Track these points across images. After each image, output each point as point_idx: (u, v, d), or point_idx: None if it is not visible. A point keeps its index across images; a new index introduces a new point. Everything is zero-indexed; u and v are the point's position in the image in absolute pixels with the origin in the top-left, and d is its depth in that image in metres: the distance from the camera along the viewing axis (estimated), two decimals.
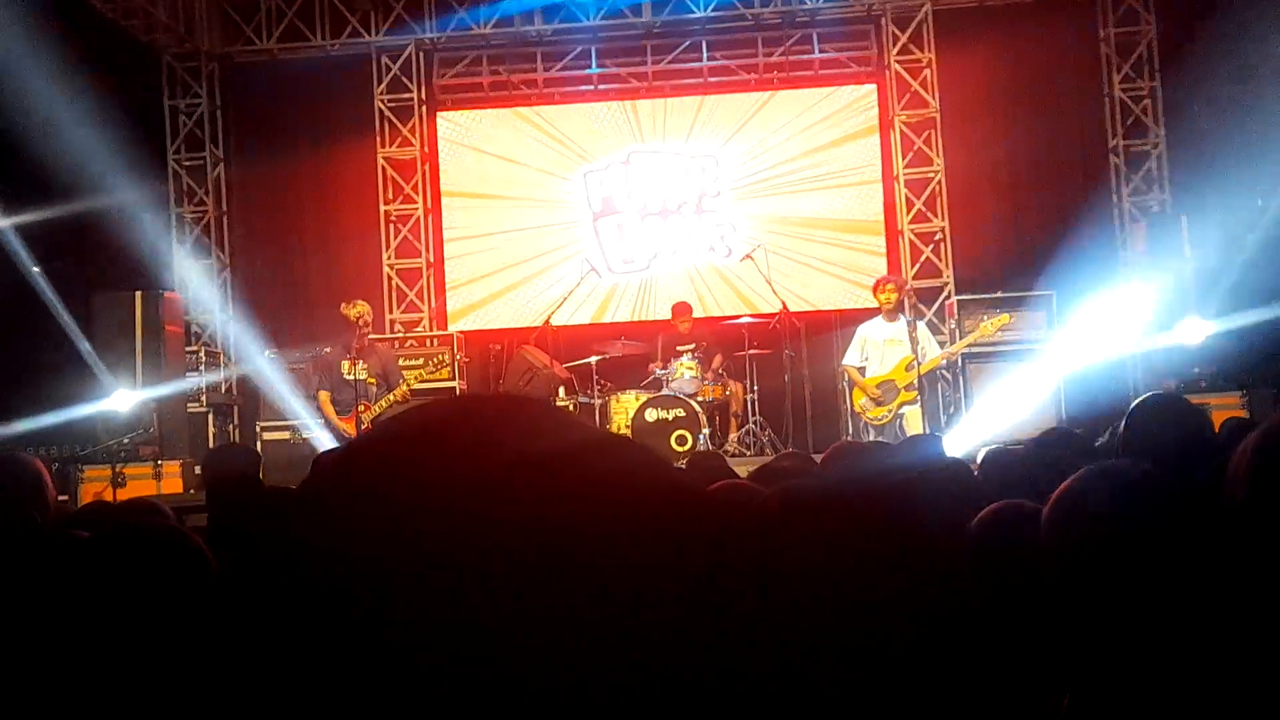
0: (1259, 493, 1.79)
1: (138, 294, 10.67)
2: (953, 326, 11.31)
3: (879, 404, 9.91)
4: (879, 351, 9.99)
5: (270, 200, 13.09)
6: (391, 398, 9.14)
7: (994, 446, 5.58)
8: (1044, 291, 11.19)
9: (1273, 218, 10.51)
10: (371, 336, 9.69)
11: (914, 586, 2.34)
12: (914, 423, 9.77)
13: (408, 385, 9.34)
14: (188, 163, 13.12)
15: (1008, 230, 12.62)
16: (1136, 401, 4.60)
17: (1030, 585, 2.22)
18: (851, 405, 10.40)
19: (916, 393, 9.86)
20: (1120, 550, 1.73)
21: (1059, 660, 1.85)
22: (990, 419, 10.57)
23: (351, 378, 9.13)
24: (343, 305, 9.46)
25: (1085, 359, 10.69)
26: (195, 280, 12.93)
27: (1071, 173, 12.61)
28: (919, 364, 9.80)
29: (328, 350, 9.62)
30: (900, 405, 9.87)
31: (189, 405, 11.41)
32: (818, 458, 5.18)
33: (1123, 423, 4.27)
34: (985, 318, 10.46)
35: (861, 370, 10.07)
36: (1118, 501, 1.81)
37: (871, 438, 9.40)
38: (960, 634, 2.32)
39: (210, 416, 11.71)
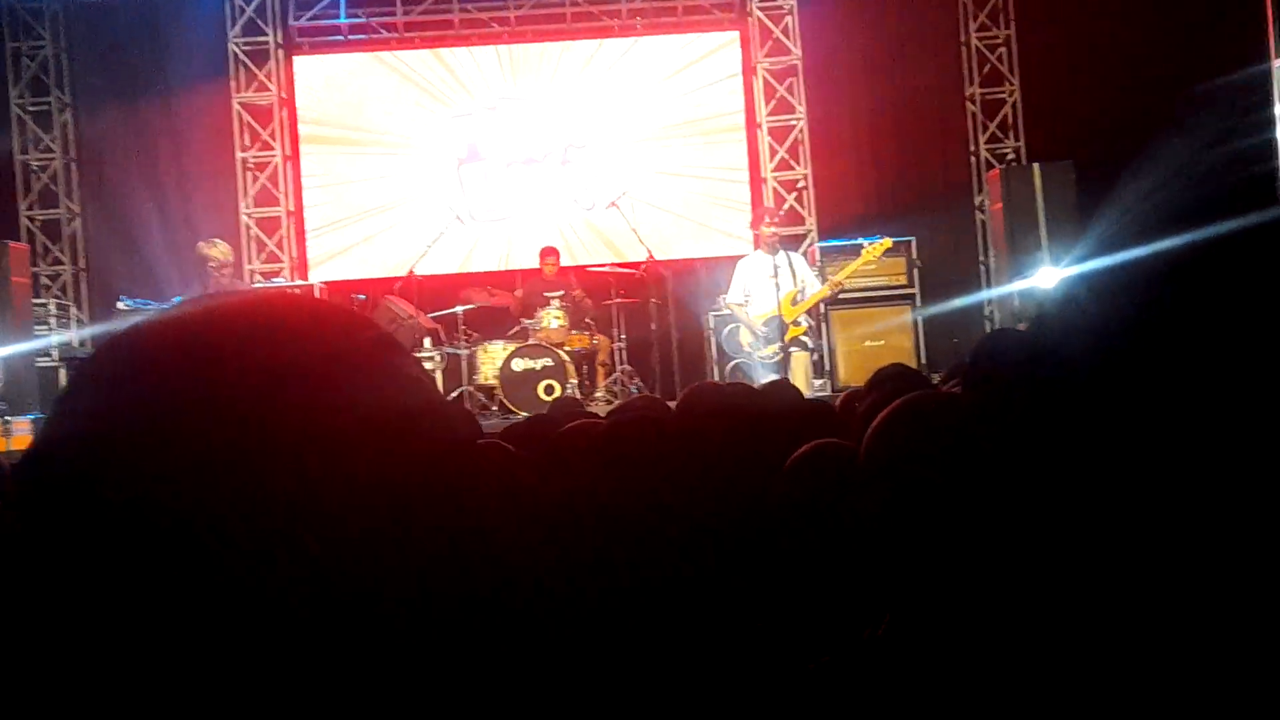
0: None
1: None
2: (815, 273, 11.44)
3: (768, 341, 9.58)
4: (761, 286, 9.62)
5: (121, 147, 12.63)
6: None
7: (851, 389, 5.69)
8: (904, 237, 11.40)
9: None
10: (237, 284, 9.45)
11: (704, 520, 2.38)
12: (799, 368, 9.60)
13: None
14: (32, 108, 12.60)
15: (868, 177, 12.80)
16: (980, 339, 4.68)
17: (844, 520, 2.27)
18: (738, 342, 10.05)
19: (805, 329, 9.67)
20: (927, 478, 1.72)
21: (878, 590, 1.85)
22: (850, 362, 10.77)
23: None
24: (200, 244, 9.15)
25: (944, 304, 10.93)
26: (43, 231, 12.50)
27: (930, 121, 12.82)
28: (804, 297, 9.63)
29: (185, 296, 9.32)
30: (791, 342, 9.57)
31: (39, 360, 11.05)
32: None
33: (968, 359, 4.31)
34: (847, 263, 10.44)
35: (743, 307, 9.77)
36: (923, 429, 1.81)
37: (762, 377, 9.07)
38: (766, 567, 2.36)
39: (62, 371, 11.35)
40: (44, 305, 11.70)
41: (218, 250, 8.92)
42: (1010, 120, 12.79)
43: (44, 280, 12.38)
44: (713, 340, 10.99)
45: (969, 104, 12.81)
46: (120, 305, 11.19)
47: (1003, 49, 12.77)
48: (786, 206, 12.44)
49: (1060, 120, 11.98)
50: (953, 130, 12.81)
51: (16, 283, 10.56)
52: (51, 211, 12.58)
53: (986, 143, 12.73)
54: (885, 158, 12.72)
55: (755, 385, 7.43)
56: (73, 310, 12.31)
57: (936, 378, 6.46)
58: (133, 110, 12.47)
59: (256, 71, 12.52)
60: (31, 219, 12.56)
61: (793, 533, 2.43)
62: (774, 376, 8.31)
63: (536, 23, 12.88)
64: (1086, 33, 11.81)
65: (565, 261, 11.37)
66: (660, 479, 2.59)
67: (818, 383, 10.63)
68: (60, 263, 12.54)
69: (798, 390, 5.44)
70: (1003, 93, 12.79)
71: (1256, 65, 9.94)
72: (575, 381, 10.33)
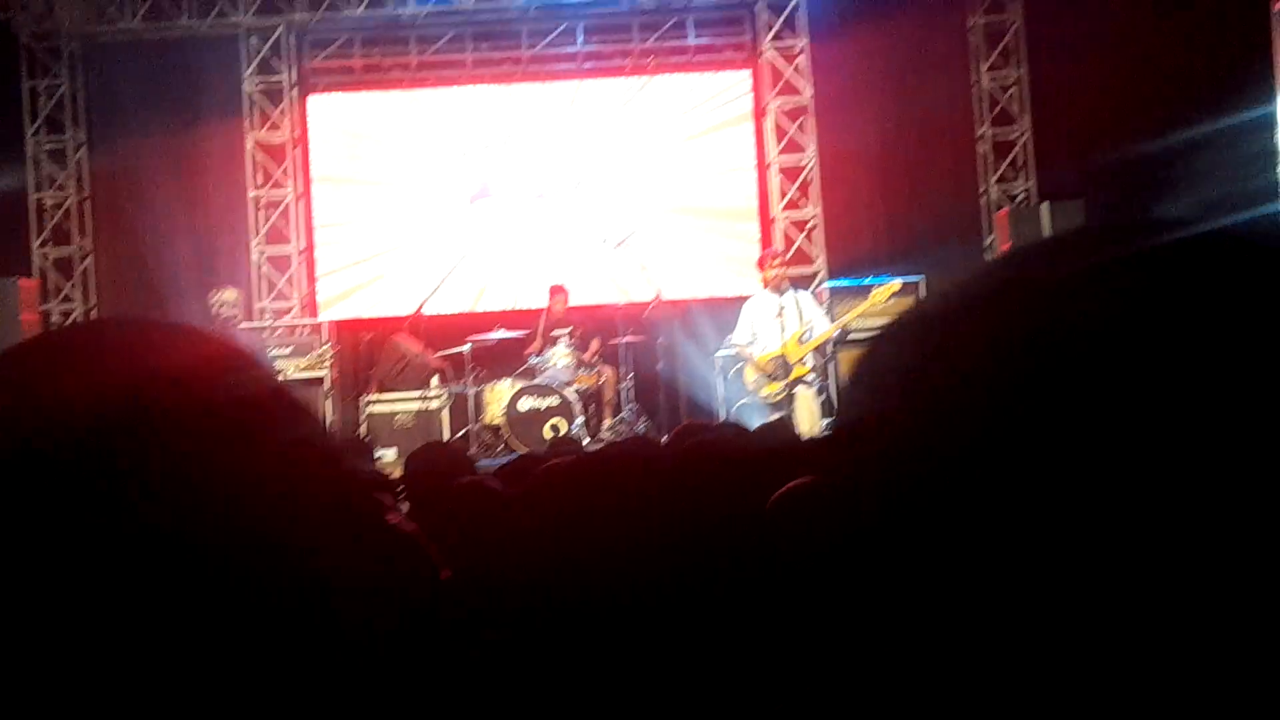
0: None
1: None
2: (824, 312, 11.41)
3: (772, 379, 9.51)
4: (767, 326, 9.56)
5: (135, 185, 12.70)
6: None
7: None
8: (913, 277, 11.33)
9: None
10: (244, 325, 9.51)
11: (677, 557, 2.34)
12: (805, 407, 9.48)
13: (283, 375, 9.18)
14: (48, 146, 12.71)
15: (879, 216, 12.77)
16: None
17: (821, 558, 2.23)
18: (743, 382, 10.02)
19: (810, 369, 9.58)
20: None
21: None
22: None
23: None
24: (210, 294, 9.26)
25: None
26: (55, 268, 12.59)
27: (941, 160, 12.79)
28: (810, 337, 9.56)
29: None
30: (796, 381, 9.49)
31: None
32: None
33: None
34: (857, 303, 10.41)
35: (749, 347, 9.70)
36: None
37: (767, 418, 9.00)
38: (740, 607, 2.32)
39: None
40: None
41: (226, 295, 9.05)
42: (1021, 160, 12.75)
43: (55, 318, 12.44)
44: (721, 380, 10.94)
45: (979, 143, 12.79)
46: None
47: (1014, 88, 12.76)
48: (796, 245, 12.42)
49: (1072, 159, 11.93)
50: (963, 169, 12.79)
51: (26, 319, 10.62)
52: (64, 248, 12.67)
53: (997, 182, 12.70)
54: (895, 197, 12.68)
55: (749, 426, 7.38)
56: None
57: None
58: (146, 148, 12.55)
59: (270, 110, 12.61)
60: (44, 256, 12.65)
61: (769, 574, 2.40)
62: (777, 416, 8.27)
63: (548, 62, 12.94)
64: (1099, 72, 11.75)
65: (574, 300, 11.36)
66: (637, 515, 2.55)
67: (825, 421, 10.56)
68: (70, 300, 12.61)
69: (792, 430, 5.41)
70: (1014, 132, 12.76)
71: (1263, 105, 9.90)
72: (581, 420, 10.30)
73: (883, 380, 0.67)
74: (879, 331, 0.71)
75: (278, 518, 0.69)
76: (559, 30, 12.85)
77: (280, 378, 8.36)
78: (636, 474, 2.95)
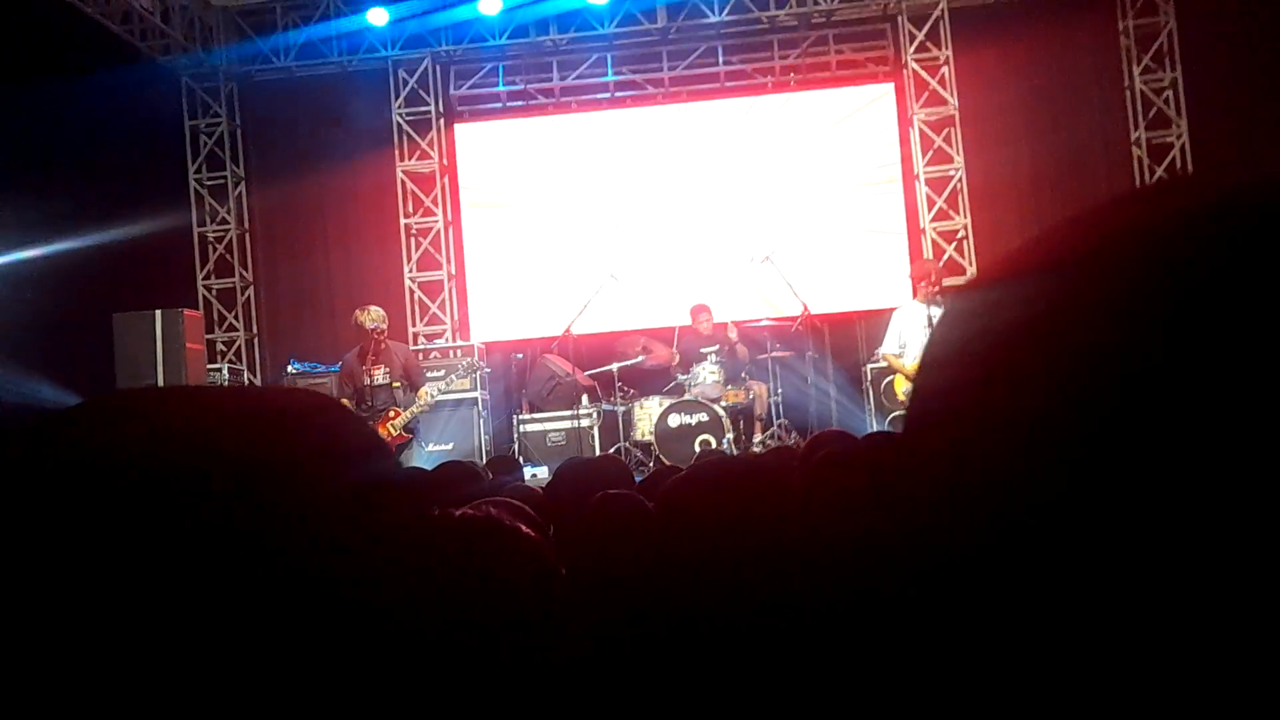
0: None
1: (158, 313, 10.71)
2: None
3: None
4: (917, 336, 9.40)
5: (291, 217, 13.13)
6: (416, 406, 9.06)
7: None
8: None
9: None
10: (390, 341, 9.67)
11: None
12: None
13: (436, 389, 9.30)
14: (209, 182, 13.20)
15: (1031, 226, 12.49)
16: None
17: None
18: (894, 393, 9.93)
19: None
20: None
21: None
22: None
23: (371, 383, 9.07)
24: (356, 312, 9.40)
25: None
26: (219, 299, 13.04)
27: (1094, 166, 12.49)
28: None
29: (346, 358, 9.52)
30: None
31: None
32: None
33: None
34: None
35: (900, 357, 9.61)
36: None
37: None
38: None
39: None
40: (218, 370, 12.15)
41: (369, 315, 9.14)
42: (1178, 164, 12.38)
43: (219, 346, 12.88)
44: (870, 393, 10.80)
45: (1134, 148, 12.45)
46: (290, 369, 11.57)
47: (1169, 91, 12.41)
48: (946, 257, 12.23)
49: (1232, 161, 11.55)
50: (1118, 176, 12.45)
51: (191, 349, 10.96)
52: (226, 280, 13.11)
53: None
54: (1047, 205, 12.40)
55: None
56: (245, 375, 12.74)
57: None
58: (301, 181, 12.95)
59: (419, 140, 12.89)
60: (208, 288, 13.11)
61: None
62: None
63: (690, 83, 13.00)
64: (1256, 69, 11.38)
65: (720, 316, 11.32)
66: (759, 524, 2.51)
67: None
68: (234, 329, 13.03)
69: None
70: (1170, 136, 12.40)
71: None
72: (731, 436, 10.25)
73: (958, 360, 0.55)
74: (953, 298, 0.58)
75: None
76: (699, 51, 12.91)
77: (430, 397, 8.38)
78: (760, 484, 2.91)
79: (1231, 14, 11.82)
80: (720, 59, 12.94)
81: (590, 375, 11.24)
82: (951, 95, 12.41)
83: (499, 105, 13.22)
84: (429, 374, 10.52)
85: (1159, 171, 12.36)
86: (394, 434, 8.93)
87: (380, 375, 9.04)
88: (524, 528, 1.77)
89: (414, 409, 9.02)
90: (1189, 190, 0.53)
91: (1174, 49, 12.39)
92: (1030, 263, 0.54)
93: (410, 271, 12.88)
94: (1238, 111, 11.63)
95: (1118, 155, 12.54)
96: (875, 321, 10.88)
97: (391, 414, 8.98)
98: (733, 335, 10.89)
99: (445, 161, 13.01)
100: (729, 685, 2.09)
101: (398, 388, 9.09)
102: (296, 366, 11.68)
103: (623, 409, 10.76)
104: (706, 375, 10.59)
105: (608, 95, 13.11)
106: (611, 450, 10.35)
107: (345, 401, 9.08)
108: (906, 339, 9.53)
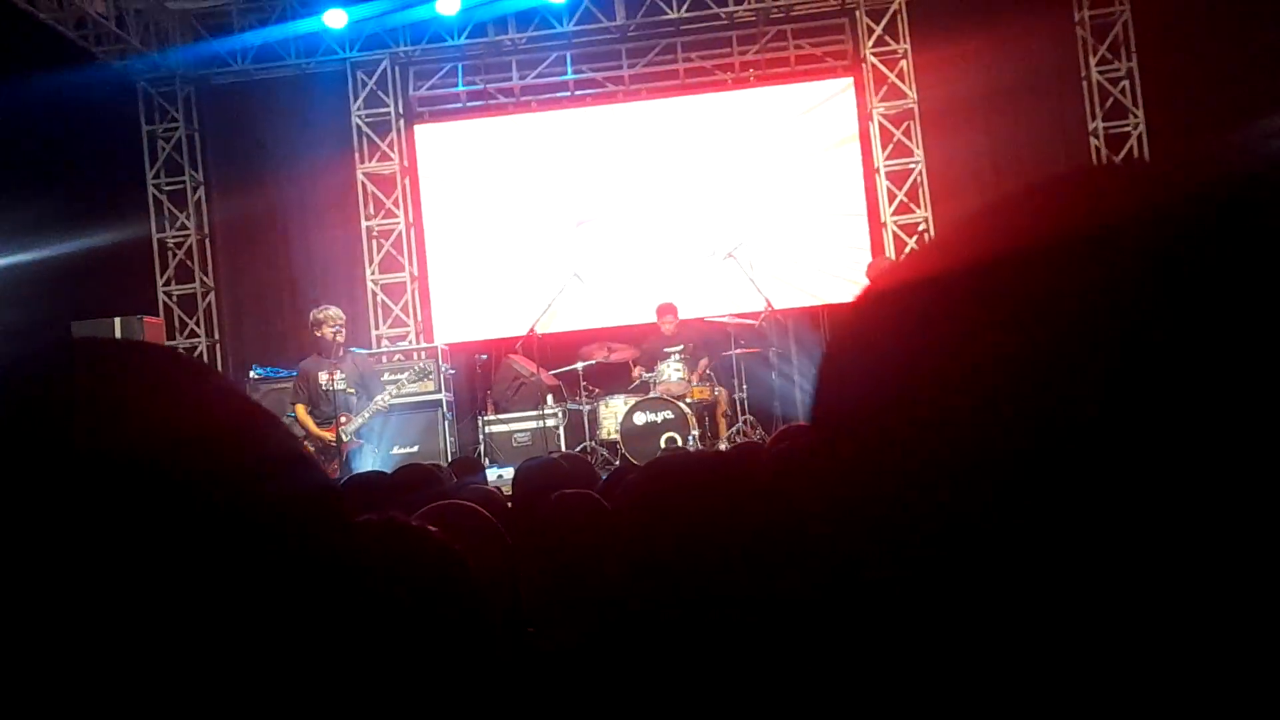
0: None
1: (117, 320, 10.64)
2: None
3: None
4: None
5: (252, 221, 13.02)
6: (369, 411, 9.05)
7: None
8: None
9: None
10: (353, 350, 9.64)
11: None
12: None
13: (389, 394, 9.28)
14: (168, 187, 13.09)
15: None
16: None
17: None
18: None
19: None
20: None
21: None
22: None
23: (329, 389, 9.02)
24: (312, 312, 9.35)
25: None
26: (179, 305, 12.95)
27: (1053, 158, 12.55)
28: None
29: (304, 363, 9.47)
30: None
31: None
32: None
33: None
34: None
35: None
36: None
37: None
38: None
39: None
40: None
41: (328, 314, 9.13)
42: (1136, 153, 12.46)
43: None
44: None
45: (1092, 139, 12.54)
46: (253, 374, 11.50)
47: (1125, 82, 12.49)
48: (908, 249, 12.27)
49: (1188, 150, 11.59)
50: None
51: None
52: (187, 286, 13.02)
53: None
54: None
55: None
56: None
57: None
58: (261, 185, 12.87)
59: (379, 142, 12.83)
60: (169, 294, 13.01)
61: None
62: None
63: (650, 80, 13.00)
64: (1212, 58, 11.47)
65: (685, 313, 11.32)
66: (720, 517, 2.51)
67: None
68: (196, 335, 12.94)
69: None
70: (1127, 125, 12.49)
71: None
72: (697, 433, 10.26)
73: (860, 359, 0.55)
74: (859, 295, 0.57)
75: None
76: (658, 48, 12.91)
77: (386, 399, 8.33)
78: (721, 478, 2.91)
79: (1186, 4, 11.90)
80: (680, 56, 12.94)
81: (555, 375, 11.23)
82: (910, 89, 12.46)
83: (459, 105, 13.17)
84: (393, 376, 10.48)
85: (1116, 161, 12.42)
86: (345, 439, 8.92)
87: (337, 380, 9.00)
88: (433, 530, 1.76)
89: (366, 414, 9.01)
90: (1131, 181, 0.53)
91: (1129, 39, 12.47)
92: (954, 255, 0.53)
93: (372, 274, 12.83)
94: (1194, 101, 11.70)
95: (1076, 146, 12.61)
96: (839, 316, 10.91)
97: (343, 419, 8.96)
98: (695, 345, 10.91)
99: (406, 163, 12.96)
100: (692, 681, 2.09)
101: (352, 393, 9.06)
102: (259, 371, 11.60)
103: (588, 408, 10.76)
104: (671, 373, 10.60)
105: (568, 94, 13.09)
106: (578, 449, 10.35)
107: (300, 407, 9.06)
108: None
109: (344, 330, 9.19)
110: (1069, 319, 0.46)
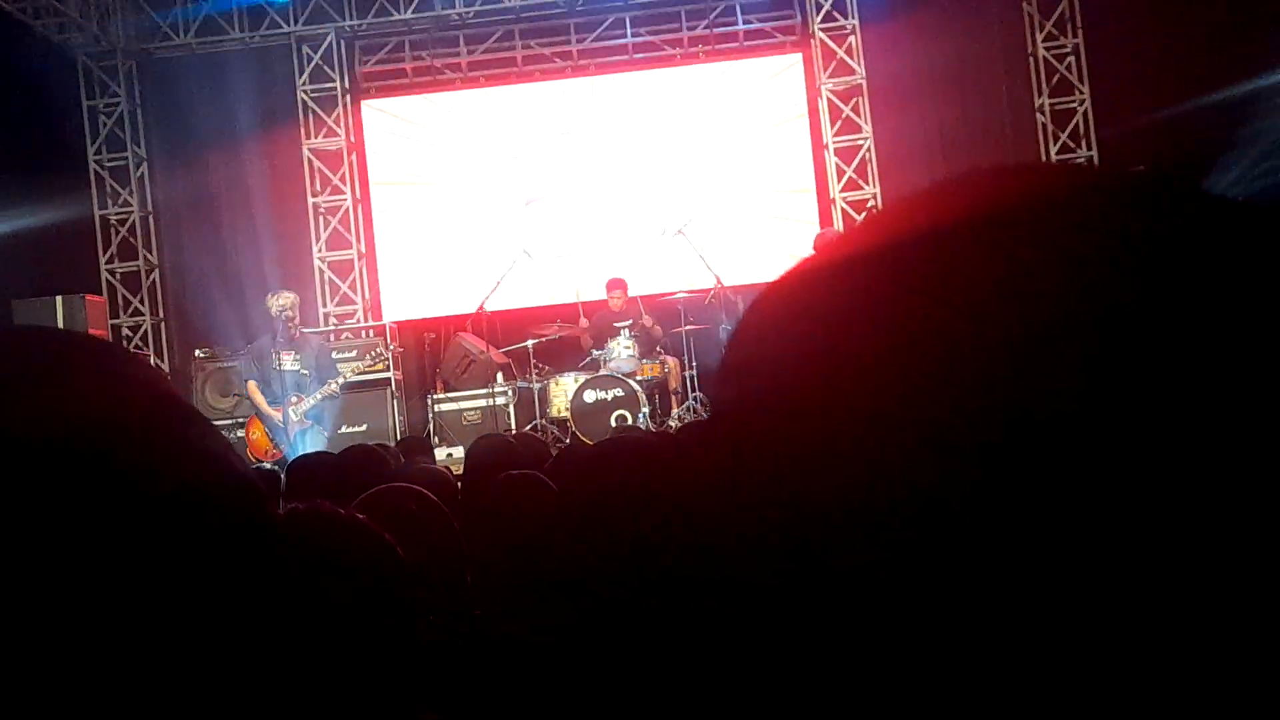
0: None
1: (58, 298, 10.49)
2: None
3: None
4: None
5: (196, 198, 12.85)
6: (320, 393, 9.02)
7: None
8: None
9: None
10: (305, 330, 9.58)
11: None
12: None
13: (342, 378, 9.23)
14: (110, 164, 12.88)
15: None
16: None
17: None
18: None
19: None
20: None
21: None
22: None
23: (280, 369, 8.98)
24: (268, 297, 9.33)
25: None
26: (123, 283, 12.78)
27: (1000, 134, 12.64)
28: None
29: (258, 342, 9.43)
30: None
31: None
32: None
33: None
34: None
35: None
36: None
37: None
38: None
39: None
40: None
41: (283, 300, 9.09)
42: (1082, 129, 12.56)
43: (125, 332, 12.62)
44: None
45: (1039, 115, 12.62)
46: (198, 354, 11.39)
47: (1070, 58, 12.57)
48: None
49: (1132, 127, 11.72)
50: (1024, 142, 12.61)
51: (96, 335, 10.74)
52: (130, 264, 12.84)
53: (1058, 153, 12.52)
54: (957, 172, 12.48)
55: None
56: (153, 360, 12.51)
57: None
58: (206, 161, 12.70)
59: (325, 117, 12.69)
60: (112, 272, 12.83)
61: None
62: None
63: (598, 55, 12.94)
64: (1156, 35, 11.55)
65: (635, 291, 11.30)
66: (660, 499, 2.50)
67: None
68: (140, 314, 12.78)
69: None
70: (1073, 102, 12.58)
71: None
72: (647, 410, 10.27)
73: (759, 353, 0.54)
74: (764, 288, 0.57)
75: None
76: (607, 24, 12.85)
77: (340, 380, 8.33)
78: (665, 458, 2.91)
79: None
80: (629, 31, 12.89)
81: (505, 353, 11.19)
82: (859, 65, 12.48)
83: (406, 80, 13.06)
84: (342, 354, 10.43)
85: (1063, 138, 12.54)
86: (295, 419, 8.89)
87: (289, 362, 8.96)
88: (361, 518, 1.75)
89: (316, 396, 8.98)
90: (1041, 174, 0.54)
91: (1075, 16, 12.54)
92: (874, 241, 0.52)
93: (319, 251, 12.71)
94: (1139, 77, 11.80)
95: (1023, 122, 12.70)
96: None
97: (294, 399, 8.93)
98: (646, 321, 10.90)
99: (353, 139, 12.84)
100: (642, 663, 2.09)
101: (306, 375, 9.01)
102: (206, 351, 11.50)
103: (538, 386, 10.73)
104: (621, 350, 10.59)
105: (516, 69, 13.01)
106: (528, 427, 10.33)
107: (252, 384, 9.01)
108: None
109: (297, 313, 9.17)
110: (1007, 298, 0.46)
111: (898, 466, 0.46)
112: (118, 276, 12.85)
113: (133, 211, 12.86)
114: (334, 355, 10.02)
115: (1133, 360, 0.44)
